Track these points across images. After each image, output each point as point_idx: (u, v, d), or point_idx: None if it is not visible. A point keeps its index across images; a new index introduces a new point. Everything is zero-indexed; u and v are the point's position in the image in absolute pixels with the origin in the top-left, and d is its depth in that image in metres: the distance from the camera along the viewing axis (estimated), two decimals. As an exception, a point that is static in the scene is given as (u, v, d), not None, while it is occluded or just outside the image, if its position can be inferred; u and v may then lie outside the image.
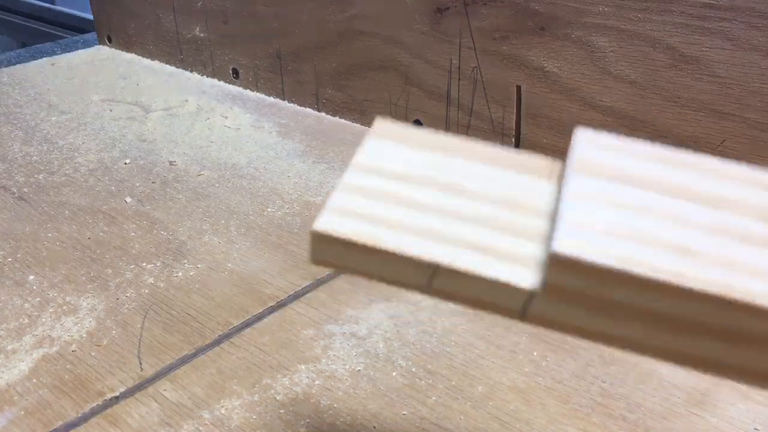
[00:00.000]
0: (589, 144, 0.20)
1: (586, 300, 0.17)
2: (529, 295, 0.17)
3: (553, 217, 0.18)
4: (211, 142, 0.62)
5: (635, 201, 0.18)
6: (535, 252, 0.18)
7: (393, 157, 0.20)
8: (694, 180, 0.19)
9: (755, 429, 0.33)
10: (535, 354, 0.38)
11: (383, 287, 0.42)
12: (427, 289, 0.18)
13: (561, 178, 0.20)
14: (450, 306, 0.40)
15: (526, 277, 0.17)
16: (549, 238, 0.18)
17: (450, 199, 0.19)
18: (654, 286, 0.16)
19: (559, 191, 0.19)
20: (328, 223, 0.18)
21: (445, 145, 0.21)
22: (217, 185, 0.55)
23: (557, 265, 0.17)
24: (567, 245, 0.17)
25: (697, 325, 0.16)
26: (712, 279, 0.16)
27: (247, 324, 0.40)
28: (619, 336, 0.17)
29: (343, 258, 0.18)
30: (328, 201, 0.19)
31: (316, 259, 0.18)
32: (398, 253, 0.18)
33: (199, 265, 0.45)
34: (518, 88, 0.53)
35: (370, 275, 0.18)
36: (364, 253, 0.18)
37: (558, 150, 0.52)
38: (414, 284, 0.18)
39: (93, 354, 0.38)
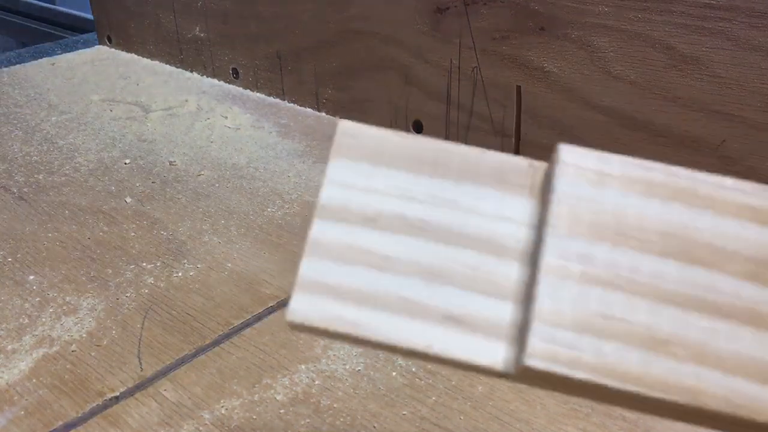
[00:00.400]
0: (575, 178, 0.18)
1: (562, 386, 0.17)
2: (503, 375, 0.17)
3: (532, 260, 0.18)
4: (211, 142, 0.62)
5: (614, 273, 0.17)
6: (509, 317, 0.17)
7: (359, 189, 0.19)
8: (679, 223, 0.18)
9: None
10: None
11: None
12: (409, 356, 0.18)
13: (544, 192, 0.18)
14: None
15: (500, 355, 0.17)
16: (521, 326, 0.17)
17: (421, 246, 0.18)
18: (628, 397, 0.16)
19: (540, 224, 0.18)
20: (300, 311, 0.17)
21: (413, 156, 0.19)
22: (217, 185, 0.55)
23: (529, 374, 0.16)
24: (538, 355, 0.16)
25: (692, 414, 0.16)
26: (688, 386, 0.16)
27: (247, 324, 0.40)
28: (604, 400, 0.17)
29: (323, 335, 0.18)
30: (299, 274, 0.18)
31: (296, 329, 0.19)
32: (374, 341, 0.17)
33: (199, 265, 0.45)
34: (518, 88, 0.53)
35: (353, 344, 0.19)
36: (342, 336, 0.18)
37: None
38: (398, 354, 0.18)
39: (93, 354, 0.38)
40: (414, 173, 0.19)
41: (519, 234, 0.18)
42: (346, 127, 0.20)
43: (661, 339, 0.16)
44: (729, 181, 0.18)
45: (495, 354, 0.17)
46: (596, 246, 0.17)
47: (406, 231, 0.18)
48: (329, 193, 0.19)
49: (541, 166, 0.19)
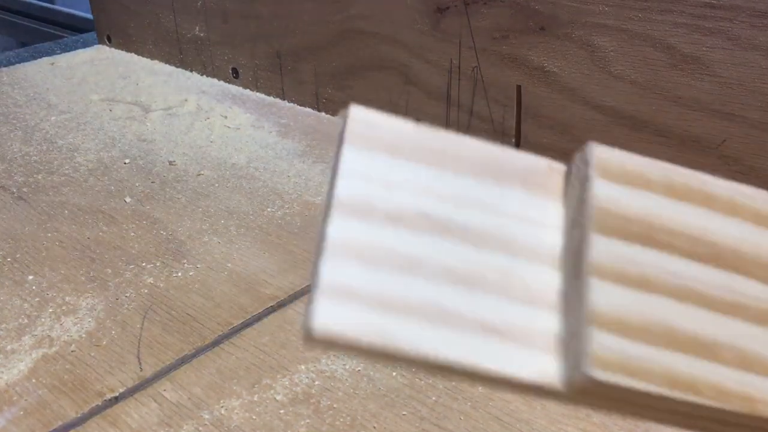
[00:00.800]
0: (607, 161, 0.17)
1: (620, 401, 0.16)
2: (552, 393, 0.16)
3: (571, 265, 0.17)
4: (211, 141, 0.62)
5: (659, 276, 0.16)
6: (555, 327, 0.16)
7: (379, 183, 0.17)
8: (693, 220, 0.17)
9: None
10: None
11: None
12: (449, 375, 0.16)
13: (569, 194, 0.18)
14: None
15: (552, 371, 0.16)
16: (572, 336, 0.16)
17: (449, 248, 0.17)
18: (686, 409, 0.15)
19: (577, 226, 0.17)
20: (326, 320, 0.15)
21: (431, 148, 0.18)
22: (216, 185, 0.55)
23: (587, 389, 0.15)
24: (600, 365, 0.15)
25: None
26: (744, 394, 0.15)
27: (246, 324, 0.40)
28: (657, 416, 0.16)
29: (348, 350, 0.16)
30: (321, 278, 0.16)
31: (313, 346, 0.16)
32: (411, 356, 0.15)
33: (198, 265, 0.45)
34: (518, 88, 0.53)
35: (380, 361, 0.16)
36: (372, 353, 0.16)
37: (559, 150, 0.52)
38: (433, 372, 0.16)
39: (92, 354, 0.38)
40: (435, 167, 0.18)
41: (548, 238, 0.17)
42: (358, 113, 0.18)
43: (711, 345, 0.16)
44: (747, 189, 0.18)
45: (547, 369, 0.16)
46: (640, 249, 0.17)
47: (431, 231, 0.17)
48: (347, 186, 0.17)
49: (559, 167, 0.18)
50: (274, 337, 0.39)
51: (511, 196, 0.18)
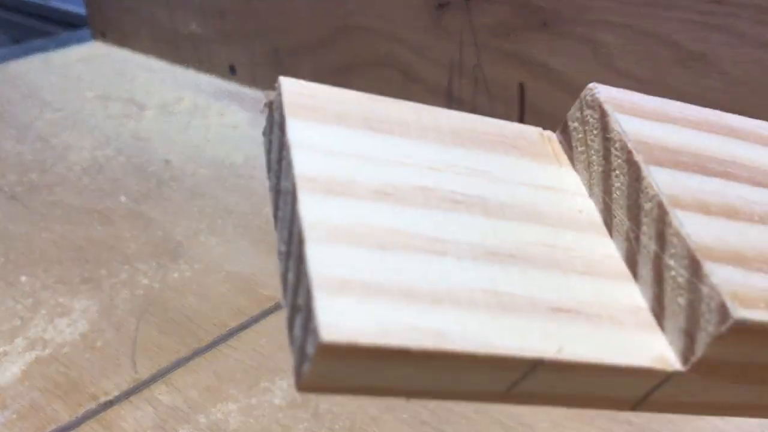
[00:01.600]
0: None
1: (747, 371, 0.13)
2: (666, 377, 0.13)
3: (629, 211, 0.14)
4: (208, 140, 0.62)
5: (729, 201, 0.14)
6: (639, 300, 0.13)
7: (347, 155, 0.14)
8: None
9: (765, 433, 0.33)
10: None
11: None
12: (504, 397, 0.12)
13: (576, 159, 0.16)
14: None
15: (658, 349, 0.13)
16: (691, 281, 0.13)
17: (473, 223, 0.14)
18: None
19: (593, 184, 0.15)
20: (340, 324, 0.11)
21: (395, 118, 0.15)
22: (213, 184, 0.54)
23: (725, 344, 0.12)
24: (741, 303, 0.12)
25: None
26: None
27: (244, 326, 0.40)
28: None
29: (363, 374, 0.12)
30: (310, 269, 0.12)
31: (313, 385, 0.12)
32: (473, 354, 0.11)
33: (195, 266, 0.45)
34: (521, 85, 0.53)
35: (404, 393, 0.12)
36: (407, 362, 0.11)
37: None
38: (484, 394, 0.12)
39: (87, 356, 0.37)
40: (408, 138, 0.15)
41: (576, 204, 0.15)
42: (291, 84, 0.15)
43: None
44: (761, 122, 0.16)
45: (650, 348, 0.12)
46: (703, 178, 0.14)
47: (441, 206, 0.14)
48: (304, 160, 0.13)
49: (551, 135, 0.16)
50: (272, 339, 0.38)
51: (514, 164, 0.15)
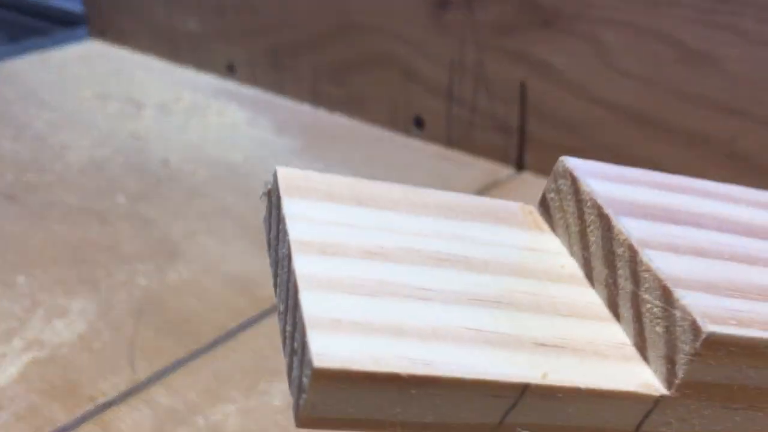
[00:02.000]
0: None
1: (732, 393, 0.14)
2: (654, 403, 0.13)
3: (607, 256, 0.15)
4: (206, 139, 0.61)
5: (702, 245, 0.16)
6: (622, 337, 0.14)
7: (339, 224, 0.15)
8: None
9: None
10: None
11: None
12: (498, 429, 0.13)
13: (557, 225, 0.17)
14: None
15: (644, 377, 0.13)
16: (654, 319, 0.14)
17: (460, 277, 0.15)
18: None
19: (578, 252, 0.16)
20: (334, 352, 0.12)
21: (381, 196, 0.17)
22: (212, 184, 0.54)
23: (707, 347, 0.13)
24: (712, 321, 0.13)
25: None
26: None
27: (243, 327, 0.39)
28: None
29: (357, 405, 0.12)
30: (304, 312, 0.13)
31: (310, 417, 0.12)
32: (461, 379, 0.12)
33: (193, 267, 0.44)
34: (522, 84, 0.53)
35: (398, 425, 0.13)
36: (399, 390, 0.12)
37: (563, 147, 0.52)
38: (478, 427, 0.13)
39: (84, 358, 0.37)
40: (395, 211, 0.16)
41: (558, 261, 0.16)
42: (286, 171, 0.17)
43: None
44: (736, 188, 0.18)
45: (635, 376, 0.13)
46: (669, 226, 0.16)
47: (427, 263, 0.15)
48: (298, 228, 0.15)
49: (532, 208, 0.18)
50: (271, 340, 0.38)
51: (497, 230, 0.17)
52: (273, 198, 0.17)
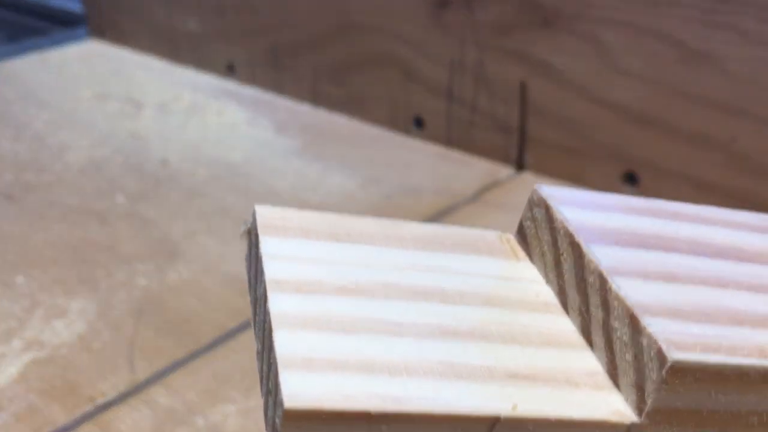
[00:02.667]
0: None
1: (703, 419, 0.14)
2: (626, 430, 0.14)
3: (579, 308, 0.16)
4: (206, 139, 0.61)
5: (672, 270, 0.16)
6: (595, 366, 0.15)
7: (312, 262, 0.16)
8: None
9: None
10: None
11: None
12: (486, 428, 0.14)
13: (534, 252, 0.18)
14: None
15: (614, 405, 0.14)
16: (622, 347, 0.14)
17: (432, 309, 0.15)
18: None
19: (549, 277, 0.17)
20: (304, 392, 0.12)
21: (358, 230, 0.17)
22: (211, 184, 0.54)
23: (670, 389, 0.13)
24: (677, 347, 0.13)
25: None
26: None
27: (242, 327, 0.39)
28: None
29: (343, 422, 0.13)
30: (277, 352, 0.13)
31: None
32: (431, 413, 0.12)
33: (193, 267, 0.44)
34: (522, 83, 0.53)
35: None
36: (369, 427, 0.13)
37: (563, 147, 0.52)
38: None
39: (84, 358, 0.37)
40: (370, 245, 0.16)
41: (532, 289, 0.17)
42: (264, 211, 0.17)
43: (743, 319, 0.15)
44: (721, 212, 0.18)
45: (606, 404, 0.14)
46: (639, 251, 0.16)
47: (402, 296, 0.15)
48: (274, 267, 0.15)
49: (510, 236, 0.18)
50: (271, 340, 0.38)
51: (472, 261, 0.17)
52: (252, 237, 0.17)
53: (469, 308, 0.15)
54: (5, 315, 0.40)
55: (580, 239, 0.16)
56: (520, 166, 0.54)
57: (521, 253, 0.18)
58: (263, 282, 0.15)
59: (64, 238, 0.47)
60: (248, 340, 0.38)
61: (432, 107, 0.58)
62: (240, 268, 0.44)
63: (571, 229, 0.16)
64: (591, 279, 0.15)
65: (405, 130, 0.60)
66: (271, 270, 0.15)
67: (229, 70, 0.72)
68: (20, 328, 0.39)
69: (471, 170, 0.55)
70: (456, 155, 0.57)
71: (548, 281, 0.17)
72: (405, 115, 0.60)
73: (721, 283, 0.15)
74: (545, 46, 0.51)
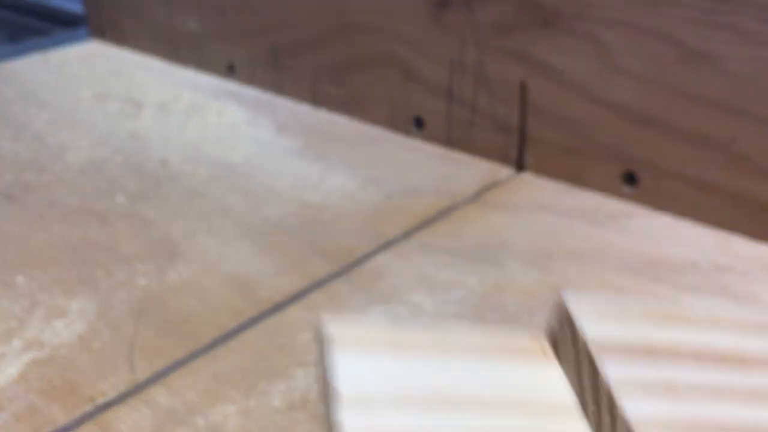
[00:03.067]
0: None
1: None
2: None
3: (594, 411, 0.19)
4: (206, 139, 0.61)
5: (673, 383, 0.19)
6: None
7: (378, 376, 0.20)
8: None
9: None
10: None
11: (383, 288, 0.41)
12: None
13: (562, 356, 0.21)
14: (451, 309, 0.39)
15: None
16: None
17: (471, 421, 0.19)
18: None
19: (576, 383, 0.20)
20: None
21: (412, 341, 0.21)
22: (211, 184, 0.54)
23: None
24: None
25: None
26: None
27: (242, 327, 0.39)
28: None
29: None
30: None
31: None
32: None
33: (193, 267, 0.44)
34: (522, 83, 0.53)
35: None
36: None
37: (563, 147, 0.52)
38: None
39: (84, 358, 0.37)
40: (425, 357, 0.20)
41: (559, 396, 0.19)
42: (332, 321, 0.21)
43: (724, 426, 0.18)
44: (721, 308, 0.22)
45: None
46: (647, 363, 0.19)
47: (447, 408, 0.19)
48: (347, 384, 0.19)
49: (540, 337, 0.21)
50: (270, 340, 0.38)
51: (508, 369, 0.20)
52: (318, 343, 0.22)
53: (501, 416, 0.19)
54: (5, 315, 0.40)
55: (596, 355, 0.19)
56: (520, 166, 0.54)
57: (549, 353, 0.21)
58: (335, 398, 0.19)
59: (64, 238, 0.47)
60: (249, 340, 0.38)
61: (432, 107, 0.58)
62: (240, 268, 0.44)
63: (589, 344, 0.19)
64: (602, 393, 0.18)
65: (405, 130, 0.60)
66: (343, 386, 0.20)
67: (229, 70, 0.72)
68: (20, 328, 0.39)
69: (471, 170, 0.55)
70: (456, 155, 0.57)
71: (570, 382, 0.20)
72: (405, 115, 0.60)
73: (718, 394, 0.18)
74: (545, 46, 0.51)
